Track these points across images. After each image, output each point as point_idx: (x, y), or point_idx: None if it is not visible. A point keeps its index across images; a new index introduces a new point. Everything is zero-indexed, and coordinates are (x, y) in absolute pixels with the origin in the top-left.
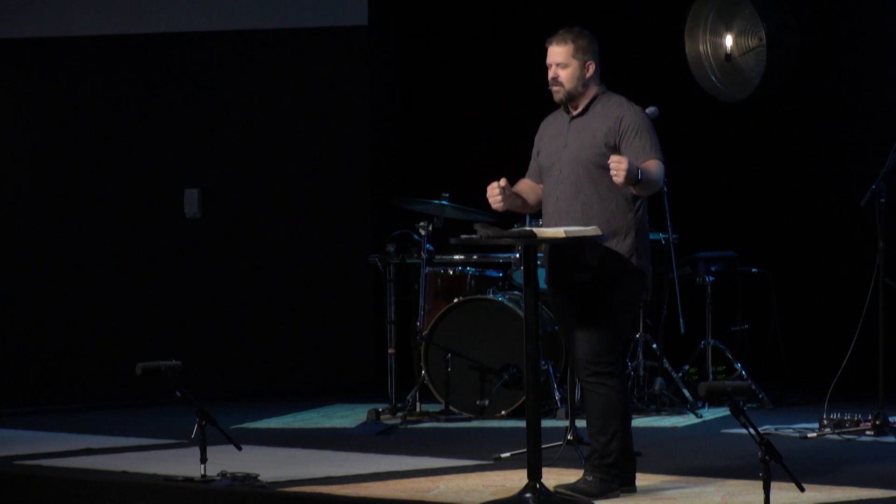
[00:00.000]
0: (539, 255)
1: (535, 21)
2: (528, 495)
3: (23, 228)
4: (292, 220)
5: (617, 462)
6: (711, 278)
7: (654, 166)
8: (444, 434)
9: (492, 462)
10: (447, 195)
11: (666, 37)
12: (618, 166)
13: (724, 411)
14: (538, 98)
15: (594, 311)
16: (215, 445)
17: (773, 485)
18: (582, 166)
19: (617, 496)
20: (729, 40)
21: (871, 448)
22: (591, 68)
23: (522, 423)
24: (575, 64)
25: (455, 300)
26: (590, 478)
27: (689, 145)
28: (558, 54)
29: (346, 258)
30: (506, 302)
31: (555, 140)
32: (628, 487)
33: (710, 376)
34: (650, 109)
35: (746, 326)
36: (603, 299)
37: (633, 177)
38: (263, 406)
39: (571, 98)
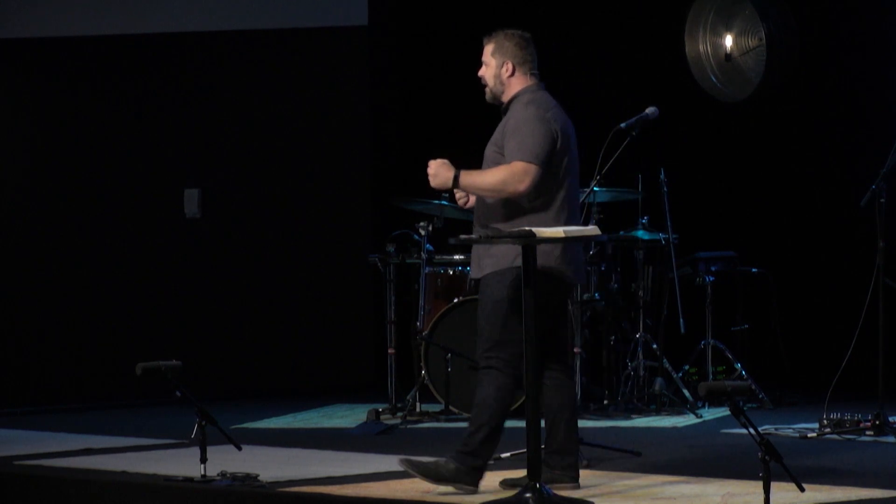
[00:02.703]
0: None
1: (536, 21)
2: (528, 495)
3: (23, 228)
4: (292, 220)
5: (474, 454)
6: (711, 278)
7: (493, 173)
8: (444, 434)
9: (492, 462)
10: (447, 195)
11: (666, 37)
12: (429, 171)
13: (724, 411)
14: None
15: (481, 306)
16: (215, 445)
17: (773, 485)
18: (488, 163)
19: (474, 493)
20: (729, 40)
21: (871, 448)
22: (508, 68)
23: (522, 423)
24: (493, 63)
25: (455, 300)
26: (443, 460)
27: (689, 145)
28: (484, 52)
29: (346, 258)
30: None
31: None
32: (573, 484)
33: (710, 376)
34: (650, 109)
35: (746, 326)
36: (484, 295)
37: (441, 183)
38: (263, 406)
39: (494, 97)
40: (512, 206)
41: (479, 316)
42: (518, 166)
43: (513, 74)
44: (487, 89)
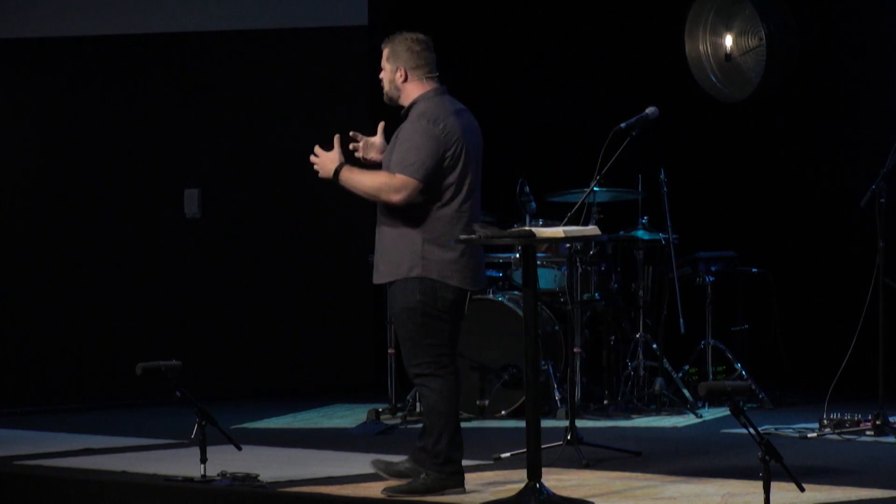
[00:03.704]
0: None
1: (536, 21)
2: (528, 495)
3: (23, 228)
4: (292, 220)
5: (448, 460)
6: (711, 278)
7: (373, 177)
8: None
9: (492, 462)
10: None
11: (666, 37)
12: (317, 160)
13: (724, 411)
14: (537, 98)
15: (394, 316)
16: (215, 445)
17: (773, 485)
18: (385, 169)
19: (462, 492)
20: (729, 40)
21: (871, 448)
22: (402, 73)
23: (522, 423)
24: (388, 68)
25: None
26: (423, 476)
27: (689, 145)
28: (382, 58)
29: (346, 258)
30: (506, 302)
31: None
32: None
33: (710, 376)
34: (650, 109)
35: (746, 326)
36: (394, 306)
37: (324, 175)
38: (263, 406)
39: (391, 100)
40: (395, 216)
41: (396, 326)
42: (398, 178)
43: (406, 80)
44: (384, 93)
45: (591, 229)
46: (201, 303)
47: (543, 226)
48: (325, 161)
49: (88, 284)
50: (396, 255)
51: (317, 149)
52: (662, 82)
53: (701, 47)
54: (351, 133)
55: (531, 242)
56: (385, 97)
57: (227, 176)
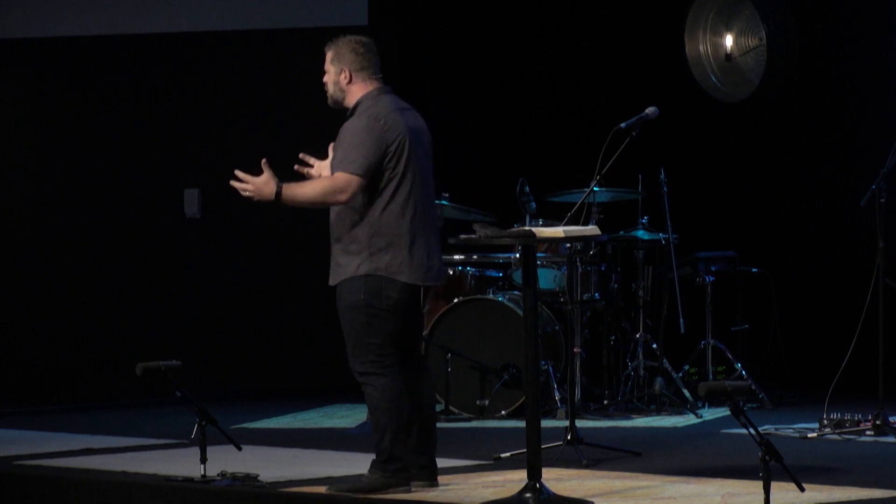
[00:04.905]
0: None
1: (536, 21)
2: (528, 495)
3: (23, 228)
4: (292, 220)
5: (391, 458)
6: (711, 278)
7: (314, 185)
8: (444, 434)
9: (492, 462)
10: (447, 195)
11: (666, 37)
12: (247, 186)
13: (724, 411)
14: (538, 98)
15: (340, 315)
16: (215, 445)
17: (773, 485)
18: (331, 169)
19: (408, 491)
20: (729, 40)
21: (871, 448)
22: (346, 75)
23: (522, 423)
24: (332, 70)
25: (455, 300)
26: (367, 474)
27: (689, 145)
28: (325, 61)
29: None
30: (506, 302)
31: None
32: (427, 482)
33: (710, 376)
34: (650, 109)
35: (746, 326)
36: (340, 304)
37: (264, 198)
38: (263, 406)
39: (336, 102)
40: (343, 217)
41: (342, 324)
42: (340, 178)
43: (350, 81)
44: (328, 95)
45: (591, 229)
46: (201, 303)
47: (543, 226)
48: (260, 186)
49: (88, 284)
50: (346, 256)
51: (242, 174)
52: (662, 82)
53: (701, 47)
54: (301, 155)
55: (531, 242)
56: (329, 100)
57: (227, 176)
